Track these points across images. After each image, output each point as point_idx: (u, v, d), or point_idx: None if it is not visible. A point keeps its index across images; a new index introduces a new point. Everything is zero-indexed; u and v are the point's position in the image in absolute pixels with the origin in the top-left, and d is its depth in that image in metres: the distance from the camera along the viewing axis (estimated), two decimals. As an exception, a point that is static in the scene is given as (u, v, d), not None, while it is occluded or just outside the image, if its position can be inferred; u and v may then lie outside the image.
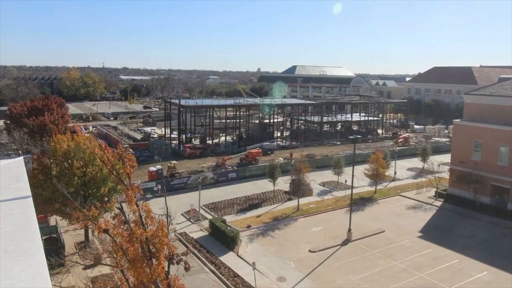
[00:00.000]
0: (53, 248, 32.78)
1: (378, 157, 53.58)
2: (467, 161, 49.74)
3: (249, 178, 59.68)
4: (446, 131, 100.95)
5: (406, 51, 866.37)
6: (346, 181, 55.32)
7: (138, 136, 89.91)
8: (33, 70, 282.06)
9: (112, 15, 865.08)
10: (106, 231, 17.14)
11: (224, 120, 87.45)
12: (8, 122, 67.64)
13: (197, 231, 41.25)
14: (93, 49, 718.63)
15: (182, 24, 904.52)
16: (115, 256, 17.91)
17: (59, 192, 30.41)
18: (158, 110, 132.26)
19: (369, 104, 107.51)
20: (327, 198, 52.01)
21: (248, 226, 42.46)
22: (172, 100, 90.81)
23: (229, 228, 39.00)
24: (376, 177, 53.86)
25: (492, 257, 35.65)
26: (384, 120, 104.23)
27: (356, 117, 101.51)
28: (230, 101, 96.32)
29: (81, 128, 79.74)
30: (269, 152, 76.43)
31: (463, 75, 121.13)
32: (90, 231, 36.66)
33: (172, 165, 60.96)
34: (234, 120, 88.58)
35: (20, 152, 52.13)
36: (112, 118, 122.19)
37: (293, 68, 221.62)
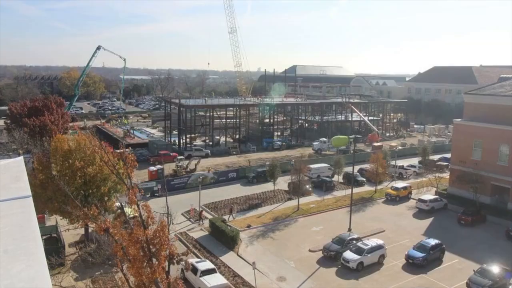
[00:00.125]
0: (53, 247, 32.83)
1: (378, 157, 53.55)
2: (467, 161, 49.74)
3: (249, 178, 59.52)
4: (446, 131, 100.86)
5: (406, 51, 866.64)
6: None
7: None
8: (33, 70, 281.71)
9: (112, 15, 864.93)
10: (106, 230, 17.14)
11: (224, 120, 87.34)
12: (8, 121, 67.73)
13: (197, 231, 41.28)
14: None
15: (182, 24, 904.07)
16: (115, 256, 17.90)
17: (60, 191, 30.46)
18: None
19: (369, 103, 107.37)
20: (327, 198, 52.02)
21: (248, 226, 42.46)
22: (172, 100, 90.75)
23: (229, 227, 39.03)
24: (376, 176, 53.85)
25: (492, 257, 35.61)
26: (384, 120, 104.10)
27: (356, 117, 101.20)
28: (230, 101, 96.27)
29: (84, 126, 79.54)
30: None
31: (463, 75, 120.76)
32: (90, 230, 36.65)
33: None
34: (234, 120, 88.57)
35: (20, 151, 52.17)
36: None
37: (293, 68, 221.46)
